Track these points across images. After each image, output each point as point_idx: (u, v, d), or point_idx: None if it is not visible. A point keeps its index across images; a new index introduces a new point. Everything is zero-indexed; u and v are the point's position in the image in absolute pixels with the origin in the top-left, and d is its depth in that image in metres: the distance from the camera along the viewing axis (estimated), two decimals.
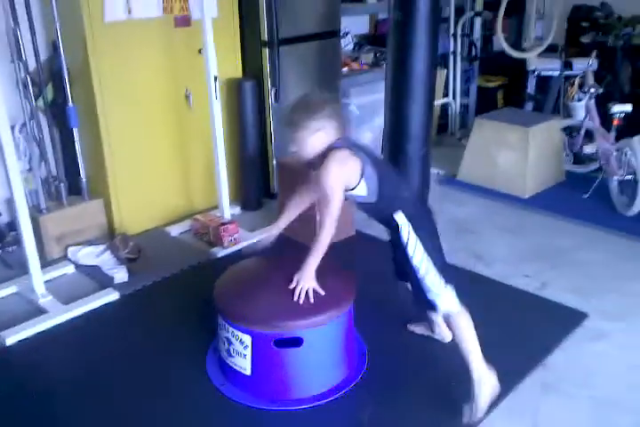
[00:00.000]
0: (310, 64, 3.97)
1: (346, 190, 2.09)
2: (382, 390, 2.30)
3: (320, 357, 2.26)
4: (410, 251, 2.12)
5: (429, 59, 3.32)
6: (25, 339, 2.64)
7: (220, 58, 3.29)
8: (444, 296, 2.15)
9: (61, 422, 2.19)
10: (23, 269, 2.94)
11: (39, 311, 2.81)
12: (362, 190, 2.10)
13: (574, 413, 2.23)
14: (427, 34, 3.23)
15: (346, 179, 2.06)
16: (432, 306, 2.18)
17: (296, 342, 2.17)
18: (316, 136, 2.02)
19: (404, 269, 2.19)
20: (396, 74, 3.39)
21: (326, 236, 2.11)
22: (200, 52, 3.22)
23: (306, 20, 3.84)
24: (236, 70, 3.76)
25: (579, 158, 4.51)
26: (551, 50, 5.13)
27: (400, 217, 2.12)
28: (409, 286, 2.27)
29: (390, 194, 2.15)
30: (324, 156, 2.05)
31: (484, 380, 2.12)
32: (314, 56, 3.98)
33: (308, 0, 3.81)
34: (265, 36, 3.65)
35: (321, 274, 2.25)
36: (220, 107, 3.27)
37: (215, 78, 3.14)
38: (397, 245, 2.17)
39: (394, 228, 2.15)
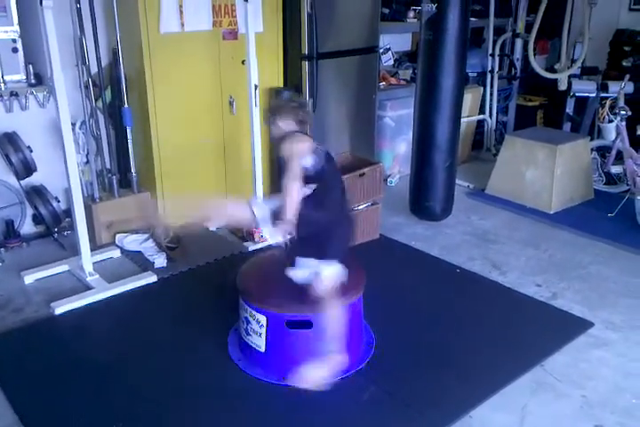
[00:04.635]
0: (347, 77, 4.21)
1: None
2: (381, 379, 2.47)
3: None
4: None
5: (457, 76, 3.53)
6: (72, 310, 2.95)
7: (262, 69, 3.55)
8: None
9: (97, 383, 2.44)
10: (75, 251, 3.25)
11: (86, 287, 3.13)
12: (308, 161, 2.31)
13: (562, 410, 2.34)
14: (455, 53, 3.45)
15: (299, 149, 2.30)
16: None
17: (306, 324, 2.39)
18: (276, 126, 2.41)
19: None
20: (425, 89, 3.60)
21: (289, 200, 2.21)
22: (243, 62, 3.49)
23: (345, 37, 4.08)
24: (278, 80, 4.03)
25: (610, 179, 4.61)
26: (592, 72, 5.24)
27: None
28: None
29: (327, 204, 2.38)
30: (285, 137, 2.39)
31: None
32: (351, 70, 4.22)
33: (347, 18, 4.06)
34: (305, 50, 3.91)
35: None
36: (259, 113, 3.50)
37: (255, 87, 3.40)
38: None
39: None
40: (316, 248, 2.35)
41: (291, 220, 2.19)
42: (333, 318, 2.30)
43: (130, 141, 3.62)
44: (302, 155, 2.30)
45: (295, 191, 2.22)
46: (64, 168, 3.00)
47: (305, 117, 2.45)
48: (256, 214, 2.37)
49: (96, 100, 3.53)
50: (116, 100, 3.64)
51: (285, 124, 2.40)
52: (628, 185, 4.34)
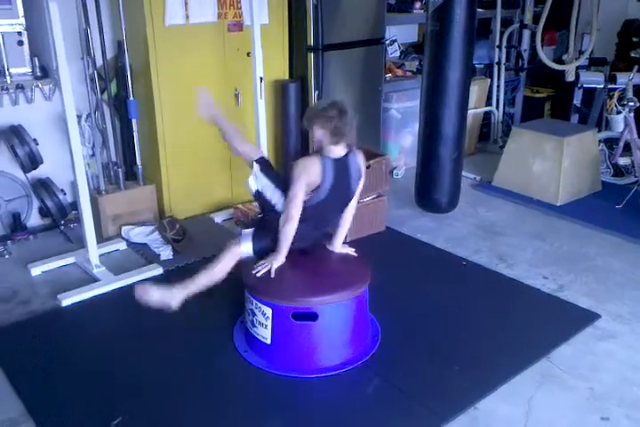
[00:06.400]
0: (353, 69, 4.19)
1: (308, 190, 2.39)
2: (386, 372, 2.47)
3: (333, 332, 2.48)
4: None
5: (464, 67, 3.49)
6: (78, 302, 2.96)
7: (268, 61, 3.54)
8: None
9: (102, 374, 2.46)
10: (82, 243, 3.27)
11: (93, 280, 3.14)
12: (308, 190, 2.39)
13: (568, 402, 2.34)
14: (462, 44, 3.41)
15: (308, 178, 2.36)
16: None
17: (312, 316, 2.40)
18: (311, 133, 2.43)
19: None
20: (432, 81, 3.57)
21: (288, 226, 2.38)
22: (249, 55, 3.48)
23: (351, 28, 4.06)
24: (283, 73, 4.02)
25: (618, 170, 4.58)
26: (600, 63, 5.20)
27: None
28: None
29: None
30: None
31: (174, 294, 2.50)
32: (357, 62, 4.20)
33: (353, 9, 4.04)
34: (311, 42, 3.90)
35: (340, 260, 2.54)
36: (264, 105, 3.51)
37: (261, 79, 3.40)
38: None
39: None
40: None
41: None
42: None
43: (135, 134, 3.62)
44: (304, 183, 2.35)
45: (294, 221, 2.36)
46: (70, 161, 3.00)
47: (340, 127, 2.31)
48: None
49: (101, 93, 3.53)
50: (121, 93, 3.63)
51: (318, 134, 2.36)
52: (635, 177, 4.32)
